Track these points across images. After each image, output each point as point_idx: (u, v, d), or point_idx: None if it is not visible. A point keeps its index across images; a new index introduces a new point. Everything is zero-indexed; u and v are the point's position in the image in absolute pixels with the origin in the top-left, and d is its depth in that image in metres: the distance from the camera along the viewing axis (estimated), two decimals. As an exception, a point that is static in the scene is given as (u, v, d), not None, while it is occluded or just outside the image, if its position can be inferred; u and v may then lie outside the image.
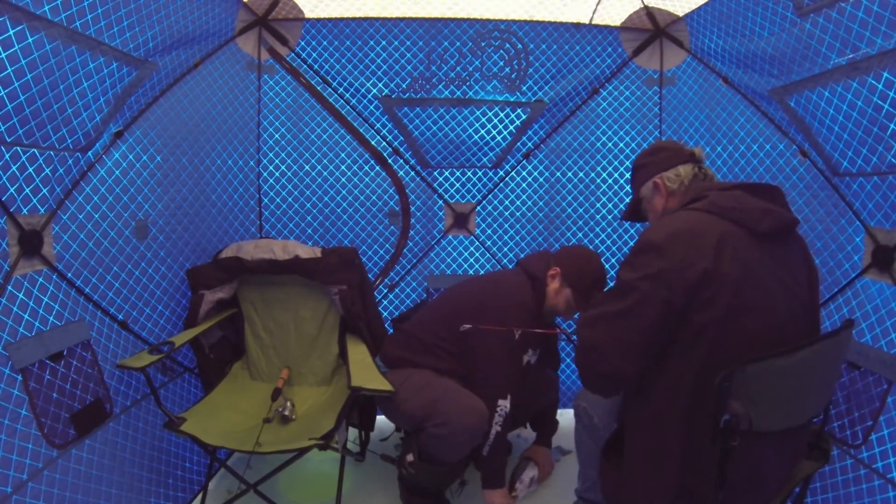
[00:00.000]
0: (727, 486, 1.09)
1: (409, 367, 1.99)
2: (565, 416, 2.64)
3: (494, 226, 2.81)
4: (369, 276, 2.34)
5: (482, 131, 2.67)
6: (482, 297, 1.99)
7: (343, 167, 2.70)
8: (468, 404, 1.82)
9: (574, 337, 2.81)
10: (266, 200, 2.68)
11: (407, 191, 2.74)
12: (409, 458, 1.91)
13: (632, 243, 2.74)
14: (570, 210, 2.77)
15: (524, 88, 2.61)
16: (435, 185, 2.76)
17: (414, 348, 2.03)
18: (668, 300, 1.13)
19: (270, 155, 2.65)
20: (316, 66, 2.58)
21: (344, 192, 2.71)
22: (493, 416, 1.85)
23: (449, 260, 2.83)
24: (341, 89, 2.61)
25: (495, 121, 2.66)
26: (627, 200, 2.73)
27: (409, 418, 1.93)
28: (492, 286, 2.04)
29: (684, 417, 1.15)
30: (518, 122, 2.66)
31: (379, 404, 2.09)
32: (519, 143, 2.72)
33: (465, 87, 2.59)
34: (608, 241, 2.78)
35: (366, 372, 1.85)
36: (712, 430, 1.08)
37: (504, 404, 1.87)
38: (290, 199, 2.70)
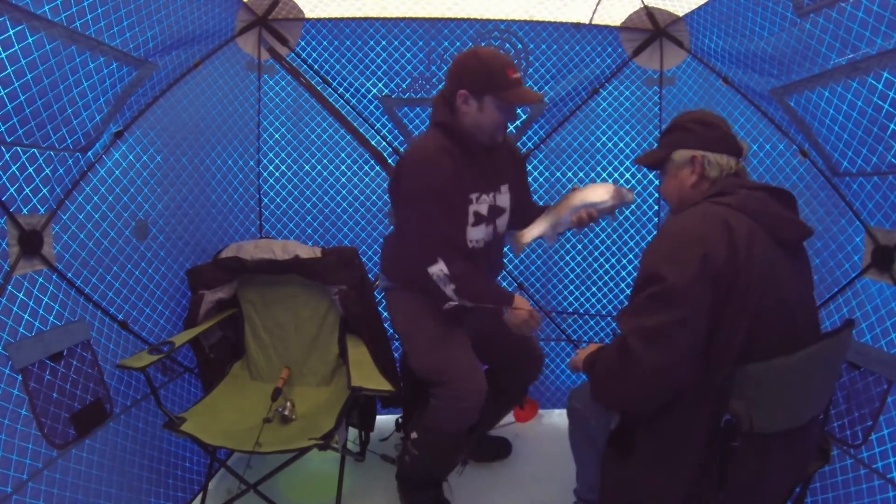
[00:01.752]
0: (730, 488, 1.08)
1: (409, 292, 1.93)
2: (562, 416, 2.64)
3: (494, 226, 2.80)
4: (369, 276, 2.34)
5: (482, 131, 2.67)
6: (396, 182, 1.80)
7: (343, 167, 2.69)
8: (471, 371, 1.81)
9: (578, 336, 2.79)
10: (266, 200, 2.67)
11: (407, 191, 2.74)
12: (413, 435, 1.90)
13: (632, 243, 2.76)
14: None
15: (524, 88, 2.61)
16: (435, 185, 2.76)
17: (401, 262, 1.98)
18: (716, 295, 1.11)
19: (270, 155, 2.65)
20: (316, 66, 2.58)
21: (344, 192, 2.71)
22: (433, 286, 1.63)
23: (449, 260, 2.83)
24: (341, 89, 2.61)
25: (495, 121, 2.66)
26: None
27: (418, 370, 1.90)
28: (397, 170, 1.84)
29: (707, 427, 1.13)
30: (518, 122, 2.66)
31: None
32: (519, 143, 2.72)
33: (465, 87, 2.59)
34: (608, 241, 2.77)
35: (366, 372, 1.84)
36: (712, 430, 1.07)
37: (435, 270, 1.61)
38: (290, 199, 2.69)
